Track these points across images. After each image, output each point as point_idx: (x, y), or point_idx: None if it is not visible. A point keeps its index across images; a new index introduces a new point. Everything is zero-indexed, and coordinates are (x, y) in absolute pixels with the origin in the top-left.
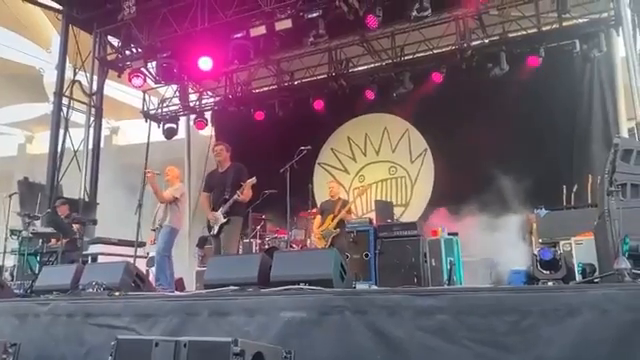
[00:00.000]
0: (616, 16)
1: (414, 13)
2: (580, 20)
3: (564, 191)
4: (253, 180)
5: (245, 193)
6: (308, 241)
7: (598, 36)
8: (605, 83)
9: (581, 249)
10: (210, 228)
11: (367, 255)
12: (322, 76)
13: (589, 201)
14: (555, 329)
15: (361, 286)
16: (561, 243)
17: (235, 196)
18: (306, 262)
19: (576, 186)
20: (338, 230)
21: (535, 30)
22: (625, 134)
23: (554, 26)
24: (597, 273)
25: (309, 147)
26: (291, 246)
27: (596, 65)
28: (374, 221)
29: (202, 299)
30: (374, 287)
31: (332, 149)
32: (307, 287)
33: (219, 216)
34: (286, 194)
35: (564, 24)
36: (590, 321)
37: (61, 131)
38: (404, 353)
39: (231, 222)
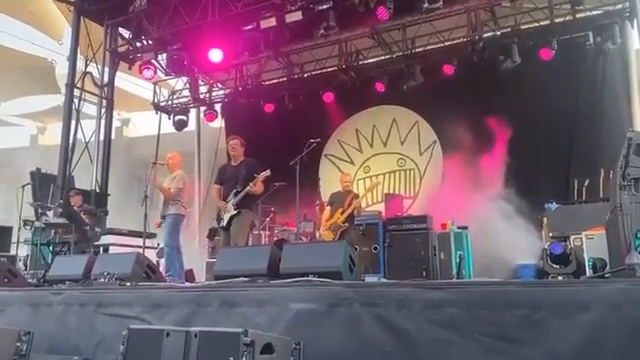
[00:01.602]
0: (631, 8)
1: (425, 5)
2: (594, 12)
3: (575, 185)
4: (267, 172)
5: (258, 185)
6: (317, 233)
7: (612, 28)
8: (619, 76)
9: (592, 244)
10: (220, 220)
11: (376, 248)
12: (332, 68)
13: (601, 195)
14: (566, 324)
15: (370, 279)
16: (572, 237)
17: (248, 188)
18: (315, 254)
19: (588, 180)
20: (347, 225)
21: (548, 22)
22: (639, 128)
23: (567, 18)
24: (608, 268)
25: (318, 140)
26: (300, 238)
27: (610, 58)
28: (383, 213)
29: (212, 290)
30: (383, 280)
31: (339, 140)
32: (316, 279)
33: (230, 208)
34: (295, 186)
35: (577, 16)
36: (601, 316)
37: (72, 122)
38: (413, 346)
39: (241, 214)
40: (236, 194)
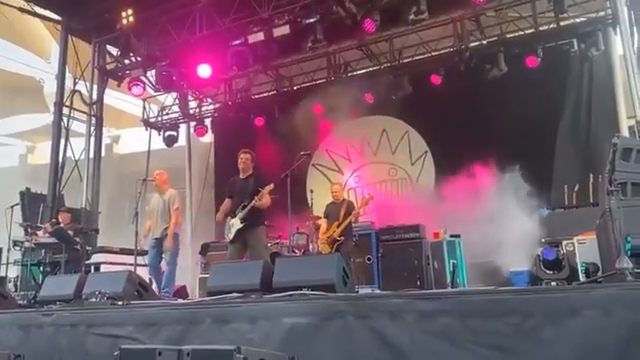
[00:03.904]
0: (613, 14)
1: (411, 16)
2: (577, 19)
3: (565, 190)
4: (271, 186)
5: (265, 199)
6: (310, 246)
7: (596, 35)
8: (604, 82)
9: (584, 248)
10: (228, 233)
11: (370, 259)
12: (321, 81)
13: (591, 200)
14: (559, 330)
15: (364, 290)
16: (564, 243)
17: (253, 202)
18: (308, 267)
19: (578, 186)
20: (342, 238)
21: (532, 30)
22: (625, 132)
23: (551, 26)
24: (600, 272)
25: (309, 152)
26: (293, 251)
27: (594, 64)
28: (375, 224)
29: (205, 307)
30: (377, 291)
31: (327, 150)
32: (310, 292)
33: (236, 222)
34: (286, 199)
35: (561, 24)
36: (593, 322)
37: (62, 141)
38: (407, 358)
39: (257, 232)
40: (244, 207)
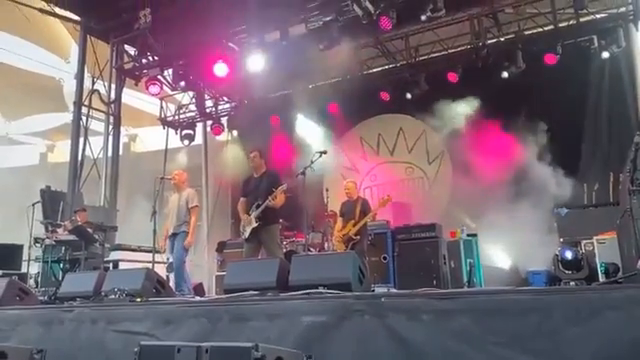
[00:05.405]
0: (635, 11)
1: (428, 14)
2: (598, 15)
3: (585, 189)
4: (284, 187)
5: (278, 199)
6: (326, 244)
7: (616, 31)
8: (625, 79)
9: (604, 248)
10: (242, 232)
11: (385, 258)
12: (337, 79)
13: (611, 199)
14: (578, 331)
15: (379, 289)
16: (583, 242)
17: (267, 202)
18: (324, 266)
19: (597, 184)
20: (358, 237)
21: (551, 27)
22: None
23: (571, 22)
24: (621, 272)
25: (324, 150)
26: (309, 249)
27: (615, 61)
28: (391, 223)
29: (223, 304)
30: (393, 290)
31: (343, 149)
32: (326, 291)
33: (251, 220)
34: (302, 197)
35: (581, 20)
36: (613, 323)
37: (81, 140)
38: (424, 357)
39: (271, 230)
40: (258, 207)
